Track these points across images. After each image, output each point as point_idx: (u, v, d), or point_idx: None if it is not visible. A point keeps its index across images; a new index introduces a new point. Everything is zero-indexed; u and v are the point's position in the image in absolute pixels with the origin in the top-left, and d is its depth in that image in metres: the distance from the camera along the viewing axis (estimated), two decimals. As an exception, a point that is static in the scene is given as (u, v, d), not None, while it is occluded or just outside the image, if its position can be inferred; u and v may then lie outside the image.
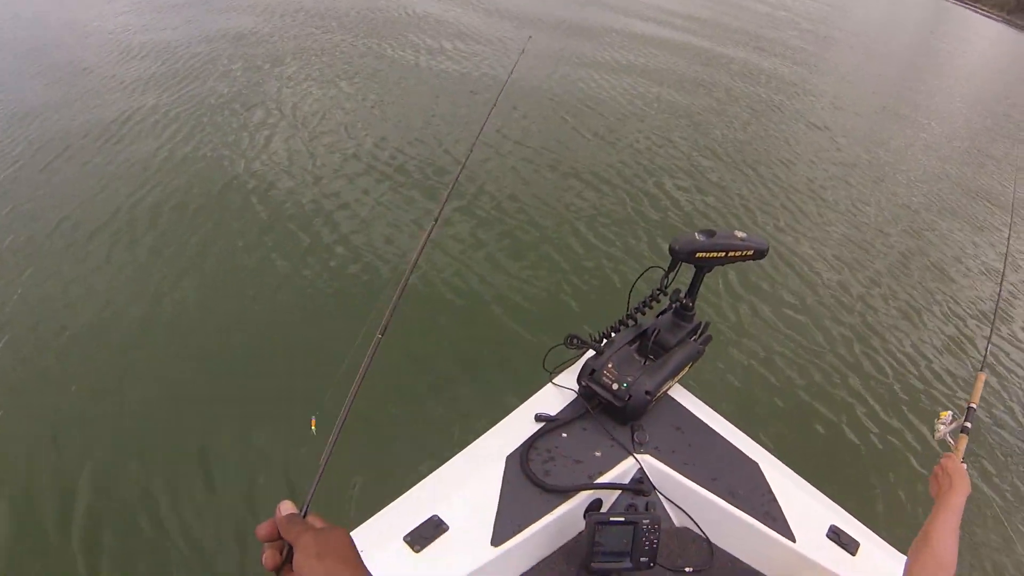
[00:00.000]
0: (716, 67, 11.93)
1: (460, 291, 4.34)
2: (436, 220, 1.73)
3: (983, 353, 2.50)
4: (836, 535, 1.79)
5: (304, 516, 0.89)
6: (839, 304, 5.01)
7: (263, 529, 0.86)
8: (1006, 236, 3.98)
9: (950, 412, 2.06)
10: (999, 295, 2.99)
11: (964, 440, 1.97)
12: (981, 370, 2.36)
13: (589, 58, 10.62)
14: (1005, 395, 4.69)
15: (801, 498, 1.89)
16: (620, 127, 7.81)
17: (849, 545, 1.77)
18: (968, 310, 5.62)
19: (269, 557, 0.85)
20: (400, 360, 3.62)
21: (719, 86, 10.67)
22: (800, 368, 4.22)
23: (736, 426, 2.11)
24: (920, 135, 11.25)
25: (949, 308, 5.58)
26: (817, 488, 2.00)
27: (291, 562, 0.83)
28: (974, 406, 2.14)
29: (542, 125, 7.37)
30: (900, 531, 2.21)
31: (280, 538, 0.86)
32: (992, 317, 3.01)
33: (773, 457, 2.03)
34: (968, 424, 2.04)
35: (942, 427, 2.05)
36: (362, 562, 0.81)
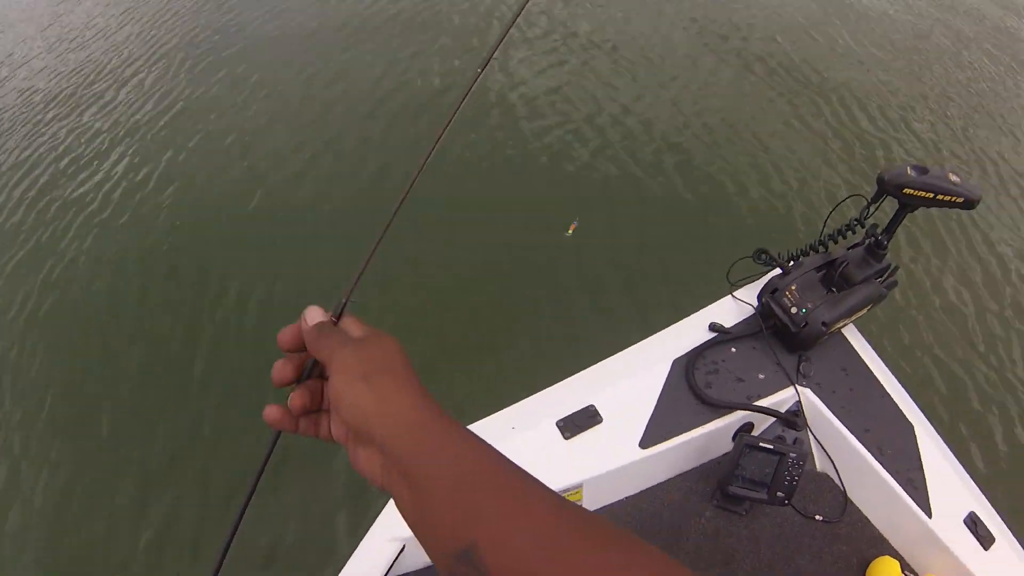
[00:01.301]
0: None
1: (658, 182, 4.39)
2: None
3: None
4: (973, 523, 1.69)
5: (338, 321, 0.66)
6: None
7: (286, 335, 0.64)
8: None
9: None
10: None
11: None
12: None
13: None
14: None
15: (948, 474, 1.80)
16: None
17: (985, 537, 1.67)
18: None
19: (280, 368, 0.64)
20: (599, 251, 3.76)
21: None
22: (989, 343, 3.86)
23: (901, 383, 2.01)
24: None
25: None
26: (968, 470, 1.88)
27: (319, 383, 0.65)
28: None
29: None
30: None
31: (305, 353, 0.65)
32: None
33: (930, 424, 1.93)
34: None
35: None
36: (420, 383, 0.59)
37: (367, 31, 6.17)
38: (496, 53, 0.79)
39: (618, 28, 6.35)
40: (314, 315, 0.64)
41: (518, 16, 0.88)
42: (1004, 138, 5.69)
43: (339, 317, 0.66)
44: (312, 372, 0.65)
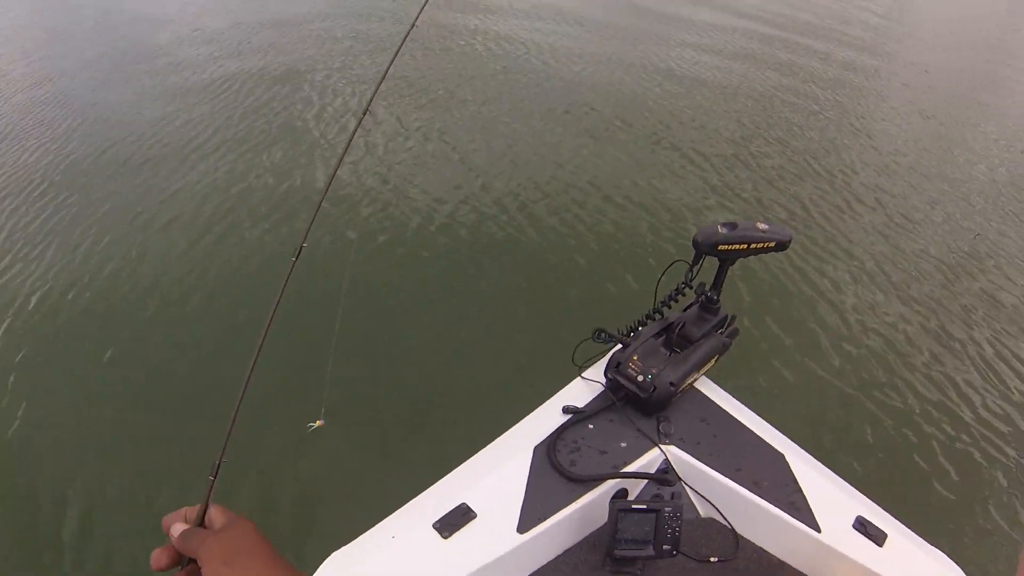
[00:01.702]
0: (782, 50, 11.71)
1: (495, 291, 4.47)
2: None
3: None
4: (863, 526, 1.79)
5: (203, 519, 0.78)
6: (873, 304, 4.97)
7: (161, 558, 0.75)
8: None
9: None
10: None
11: None
12: None
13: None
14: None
15: (827, 488, 1.90)
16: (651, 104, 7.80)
17: (876, 536, 1.77)
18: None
19: (156, 557, 0.75)
20: (433, 353, 3.72)
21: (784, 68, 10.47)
22: (828, 361, 4.21)
23: (763, 417, 2.12)
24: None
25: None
26: (844, 479, 2.00)
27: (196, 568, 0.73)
28: None
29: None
30: (932, 523, 2.16)
31: (183, 560, 0.75)
32: None
33: (799, 448, 2.04)
34: None
35: None
36: (274, 552, 0.72)
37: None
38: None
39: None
40: (176, 528, 0.76)
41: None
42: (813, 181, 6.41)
43: (204, 514, 0.78)
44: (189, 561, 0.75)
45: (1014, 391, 4.25)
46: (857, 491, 1.96)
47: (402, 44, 2.44)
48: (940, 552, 1.86)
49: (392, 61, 2.39)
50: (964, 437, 3.83)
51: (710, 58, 10.22)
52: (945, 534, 3.26)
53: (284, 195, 5.41)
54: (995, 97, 11.67)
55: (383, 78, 2.27)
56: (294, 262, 0.83)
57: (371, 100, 2.08)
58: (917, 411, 3.96)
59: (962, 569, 1.78)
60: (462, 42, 9.87)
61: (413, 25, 2.62)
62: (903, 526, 1.87)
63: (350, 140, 1.98)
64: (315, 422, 2.20)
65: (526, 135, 6.73)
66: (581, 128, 7.07)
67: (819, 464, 2.02)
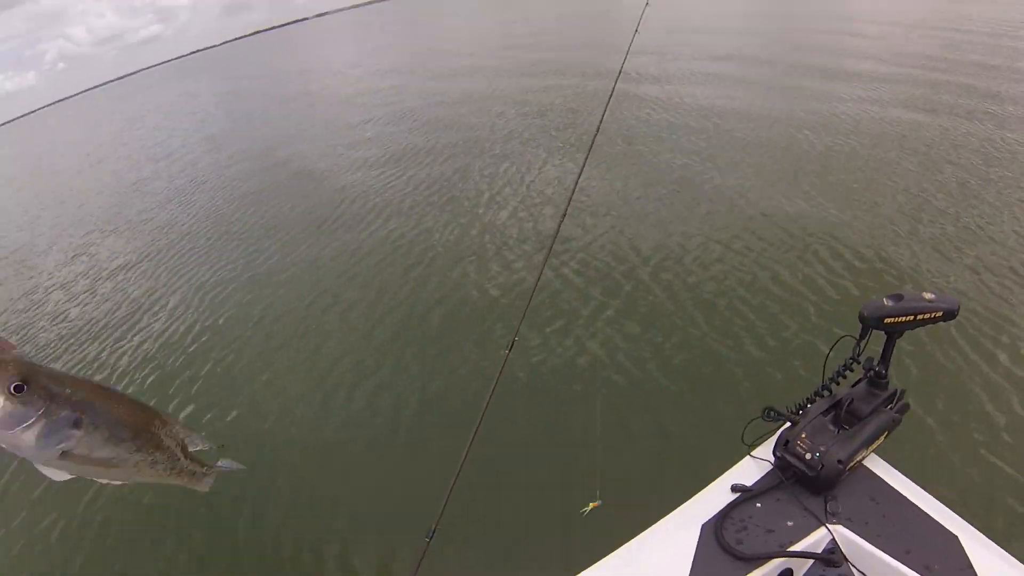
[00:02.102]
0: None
1: (669, 376, 4.67)
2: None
3: None
4: None
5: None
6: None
7: None
8: None
9: None
10: None
11: None
12: None
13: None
14: None
15: (1005, 571, 1.78)
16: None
17: None
18: None
19: None
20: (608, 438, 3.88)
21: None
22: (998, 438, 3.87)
23: (938, 497, 2.01)
24: None
25: None
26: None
27: None
28: None
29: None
30: None
31: None
32: None
33: (975, 530, 1.92)
34: None
35: None
36: None
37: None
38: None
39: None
40: None
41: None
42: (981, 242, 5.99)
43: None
44: None
45: None
46: None
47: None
48: None
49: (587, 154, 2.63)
50: None
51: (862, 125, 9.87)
52: None
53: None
54: None
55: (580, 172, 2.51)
56: (507, 355, 0.97)
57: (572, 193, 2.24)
58: None
59: None
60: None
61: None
62: None
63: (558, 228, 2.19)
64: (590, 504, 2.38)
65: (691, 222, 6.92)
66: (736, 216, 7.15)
67: (999, 548, 1.88)
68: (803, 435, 2.00)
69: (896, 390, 2.24)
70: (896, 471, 2.14)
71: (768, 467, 2.07)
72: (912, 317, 2.02)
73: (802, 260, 5.96)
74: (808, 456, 1.96)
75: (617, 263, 6.32)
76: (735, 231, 6.68)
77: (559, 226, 2.83)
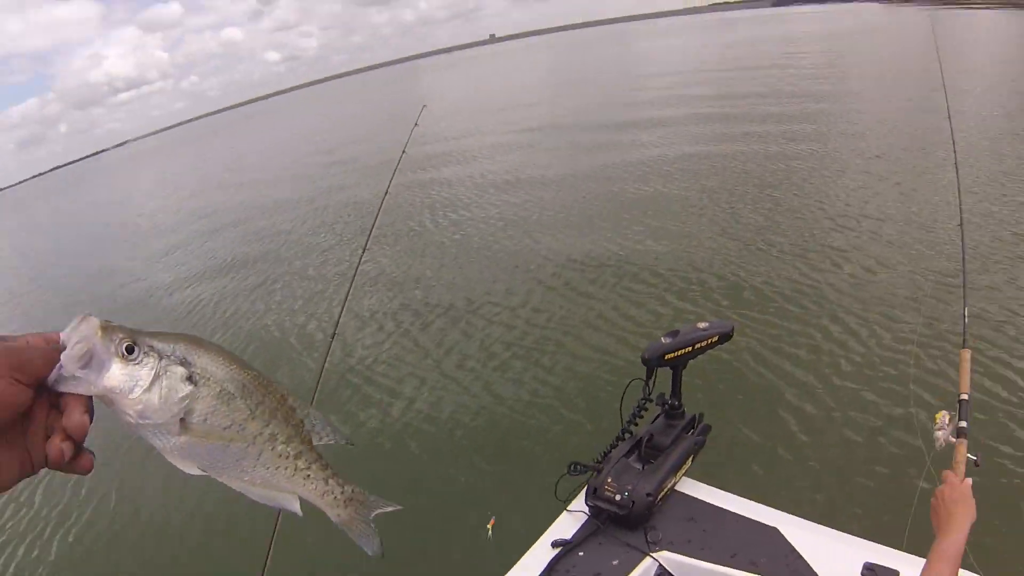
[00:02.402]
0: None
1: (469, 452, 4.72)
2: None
3: (962, 327, 2.25)
4: (871, 571, 1.82)
5: None
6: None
7: None
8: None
9: (945, 413, 1.84)
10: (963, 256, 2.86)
11: (963, 448, 1.73)
12: (964, 346, 2.09)
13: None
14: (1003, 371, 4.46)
15: (828, 547, 1.97)
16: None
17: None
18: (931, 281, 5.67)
19: None
20: (409, 511, 3.84)
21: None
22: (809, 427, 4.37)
23: (757, 496, 2.21)
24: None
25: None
26: (848, 531, 2.04)
27: None
28: (965, 397, 1.86)
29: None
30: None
31: None
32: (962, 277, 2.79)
33: (793, 516, 2.12)
34: (964, 424, 1.78)
35: (940, 433, 1.80)
36: None
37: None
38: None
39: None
40: None
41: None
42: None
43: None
44: None
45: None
46: (862, 540, 1.99)
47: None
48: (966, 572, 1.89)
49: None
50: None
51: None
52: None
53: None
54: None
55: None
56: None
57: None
58: (892, 444, 4.07)
59: None
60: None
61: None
62: (915, 557, 1.86)
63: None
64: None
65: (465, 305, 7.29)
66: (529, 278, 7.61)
67: (817, 526, 2.09)
68: (608, 480, 2.18)
69: (694, 416, 2.47)
70: (709, 487, 2.34)
71: (584, 517, 2.22)
72: (691, 348, 2.27)
73: (592, 313, 6.39)
74: (618, 497, 2.13)
75: (409, 349, 6.48)
76: (527, 293, 7.11)
77: (341, 310, 2.87)
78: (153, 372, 0.65)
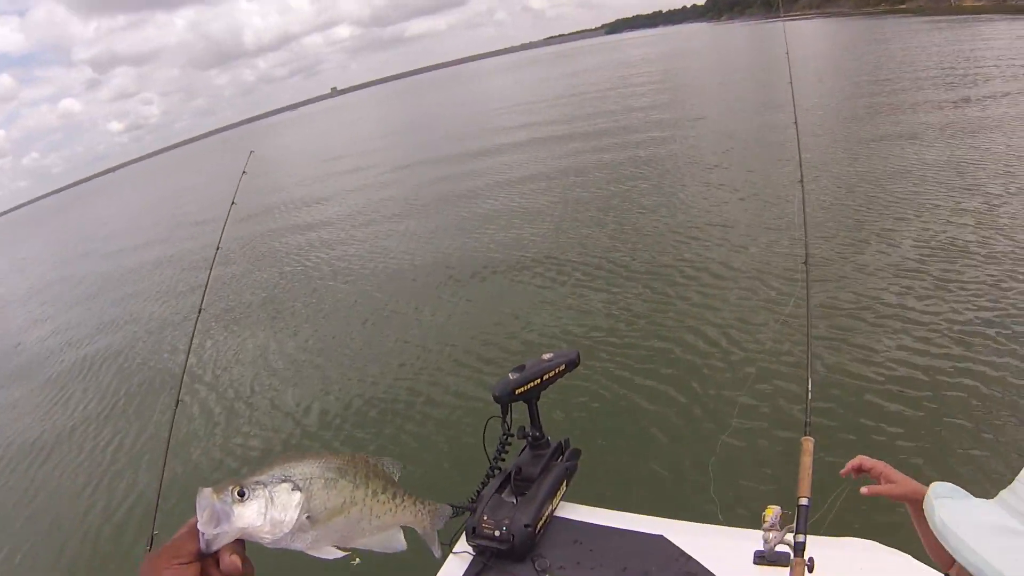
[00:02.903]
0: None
1: None
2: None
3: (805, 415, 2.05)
4: (762, 557, 1.85)
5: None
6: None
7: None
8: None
9: (776, 509, 1.74)
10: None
11: (800, 569, 1.54)
12: (805, 434, 1.90)
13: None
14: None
15: (717, 543, 2.05)
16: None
17: (779, 558, 1.80)
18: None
19: None
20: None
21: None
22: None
23: (638, 509, 2.28)
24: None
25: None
26: (737, 525, 2.11)
27: None
28: (805, 502, 1.65)
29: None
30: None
31: None
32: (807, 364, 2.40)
33: (677, 521, 2.19)
34: (801, 538, 1.59)
35: (771, 535, 1.69)
36: None
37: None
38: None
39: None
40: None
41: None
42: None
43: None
44: None
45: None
46: (749, 530, 1.98)
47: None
48: (854, 539, 1.95)
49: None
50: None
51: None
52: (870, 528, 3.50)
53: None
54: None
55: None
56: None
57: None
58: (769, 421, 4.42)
59: (879, 542, 1.91)
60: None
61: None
62: (815, 536, 1.81)
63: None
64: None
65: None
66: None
67: (703, 526, 2.17)
68: (484, 517, 2.21)
69: (559, 442, 2.55)
70: (589, 507, 2.39)
71: (470, 557, 2.24)
72: (539, 380, 2.35)
73: (442, 357, 6.58)
74: (496, 533, 2.16)
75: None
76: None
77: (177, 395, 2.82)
78: (266, 498, 0.81)
